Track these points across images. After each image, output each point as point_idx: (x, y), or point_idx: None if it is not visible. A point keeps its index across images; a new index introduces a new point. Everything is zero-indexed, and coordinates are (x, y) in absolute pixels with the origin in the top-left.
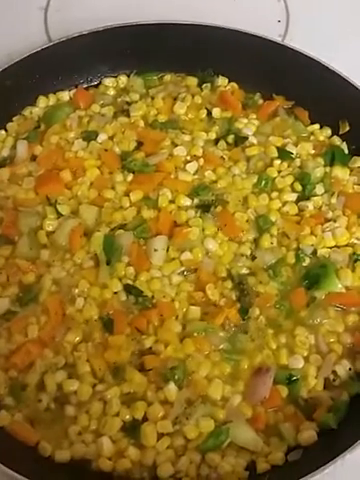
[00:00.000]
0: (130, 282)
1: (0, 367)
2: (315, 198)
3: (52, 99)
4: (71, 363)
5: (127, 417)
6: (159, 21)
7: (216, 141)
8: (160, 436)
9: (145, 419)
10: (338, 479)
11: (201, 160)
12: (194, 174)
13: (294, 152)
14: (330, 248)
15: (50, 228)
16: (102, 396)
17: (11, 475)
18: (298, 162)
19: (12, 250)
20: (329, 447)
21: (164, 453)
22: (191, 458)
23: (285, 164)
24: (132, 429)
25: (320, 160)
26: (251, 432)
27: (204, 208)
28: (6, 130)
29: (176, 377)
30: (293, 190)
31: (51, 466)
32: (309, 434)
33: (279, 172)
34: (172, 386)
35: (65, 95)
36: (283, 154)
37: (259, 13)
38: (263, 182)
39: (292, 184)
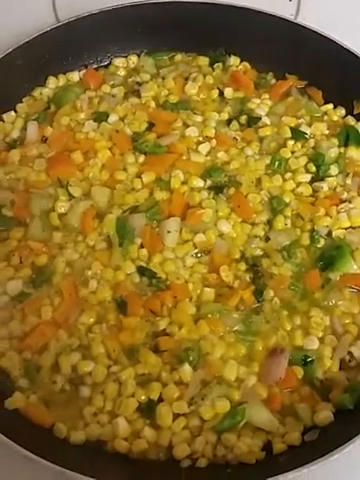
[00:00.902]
0: (143, 264)
1: (14, 349)
2: (329, 179)
3: (62, 80)
4: (85, 345)
5: (142, 398)
6: (169, 0)
7: (228, 122)
8: (176, 417)
9: (160, 400)
10: (355, 459)
11: (213, 141)
12: (206, 155)
13: (308, 132)
14: (345, 229)
15: (62, 210)
16: (117, 377)
17: (27, 455)
18: (312, 142)
19: (24, 232)
20: (346, 427)
21: (180, 434)
22: (207, 439)
23: (299, 144)
24: (148, 410)
25: (334, 140)
26: (267, 413)
27: (217, 190)
28: (16, 111)
29: (191, 358)
30: (307, 171)
31: (67, 447)
32: (325, 415)
33: (293, 153)
34: (187, 367)
35: (75, 75)
36: (297, 134)
37: None
38: (276, 163)
39: (306, 165)
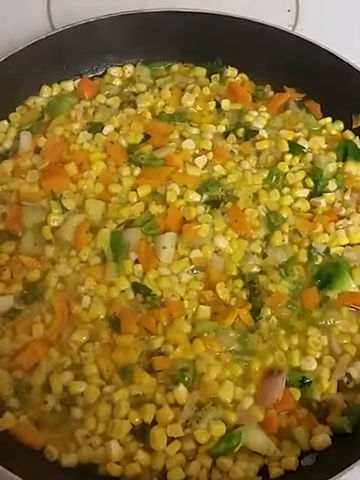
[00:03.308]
0: (138, 280)
1: (4, 367)
2: (328, 194)
3: (56, 89)
4: (78, 364)
5: (136, 420)
6: (166, 9)
7: (226, 134)
8: (170, 440)
9: (154, 422)
10: None
11: (210, 154)
12: (203, 168)
13: (306, 146)
14: (343, 246)
15: (55, 223)
16: (110, 398)
17: None
18: (310, 157)
19: (16, 246)
20: (344, 452)
21: (174, 457)
22: (202, 463)
23: (297, 159)
24: (141, 432)
25: (332, 155)
26: (263, 436)
27: (213, 204)
28: (9, 120)
29: (186, 379)
30: (305, 186)
31: (57, 470)
32: (323, 438)
33: (290, 167)
34: (182, 388)
35: (69, 85)
36: (294, 148)
37: (268, 2)
38: (274, 177)
39: (304, 179)
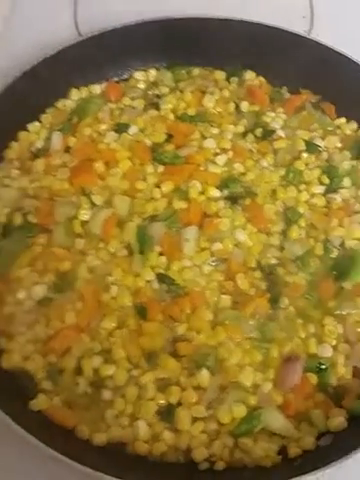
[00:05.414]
0: (162, 271)
1: (39, 352)
2: (343, 190)
3: (84, 92)
4: (107, 348)
5: (162, 401)
6: (188, 16)
7: (244, 134)
8: (194, 420)
9: (179, 404)
10: None
11: (230, 153)
12: (223, 166)
13: (321, 145)
14: (358, 240)
15: (85, 218)
16: (137, 381)
17: (53, 455)
18: (325, 155)
19: (48, 238)
20: (359, 433)
21: (198, 437)
22: (224, 442)
23: (312, 157)
24: (167, 413)
25: (347, 153)
26: (282, 418)
27: (233, 200)
28: (40, 122)
29: (208, 364)
30: (321, 183)
31: (89, 449)
32: (339, 421)
33: (306, 165)
34: (205, 372)
35: (96, 88)
36: (310, 147)
37: (284, 10)
38: (291, 175)
39: (319, 177)
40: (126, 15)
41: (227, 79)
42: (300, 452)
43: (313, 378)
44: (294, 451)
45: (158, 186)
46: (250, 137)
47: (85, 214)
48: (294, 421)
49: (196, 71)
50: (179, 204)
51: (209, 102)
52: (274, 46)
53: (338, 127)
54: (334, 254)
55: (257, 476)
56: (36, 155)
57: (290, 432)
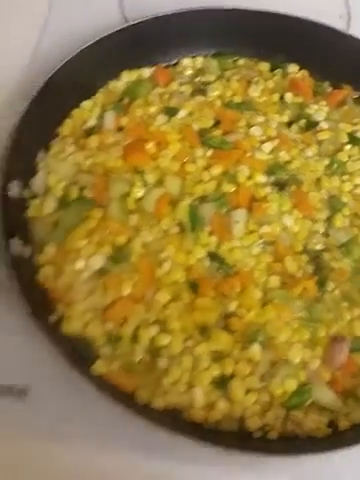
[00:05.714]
0: (213, 250)
1: (98, 319)
2: None
3: (134, 75)
4: (162, 319)
5: (216, 372)
6: (236, 7)
7: (289, 124)
8: (247, 392)
9: (233, 376)
10: None
11: (276, 141)
12: (269, 154)
13: None
14: None
15: (138, 195)
16: (192, 351)
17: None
18: None
19: (103, 213)
20: None
21: (251, 408)
22: (277, 414)
23: (355, 149)
24: (221, 383)
25: None
26: (331, 393)
27: (280, 186)
28: (92, 101)
29: (260, 339)
30: None
31: (148, 412)
32: None
33: (349, 157)
34: (256, 346)
35: (146, 72)
36: (353, 140)
37: (322, 10)
38: (335, 165)
39: None
40: (172, 2)
41: (271, 70)
42: (349, 425)
43: (359, 358)
44: (343, 424)
45: (207, 169)
46: (294, 127)
47: (138, 192)
48: (342, 397)
49: (242, 61)
50: (228, 187)
51: (254, 92)
52: (317, 41)
53: None
54: None
55: (309, 445)
56: (89, 133)
57: (338, 407)
